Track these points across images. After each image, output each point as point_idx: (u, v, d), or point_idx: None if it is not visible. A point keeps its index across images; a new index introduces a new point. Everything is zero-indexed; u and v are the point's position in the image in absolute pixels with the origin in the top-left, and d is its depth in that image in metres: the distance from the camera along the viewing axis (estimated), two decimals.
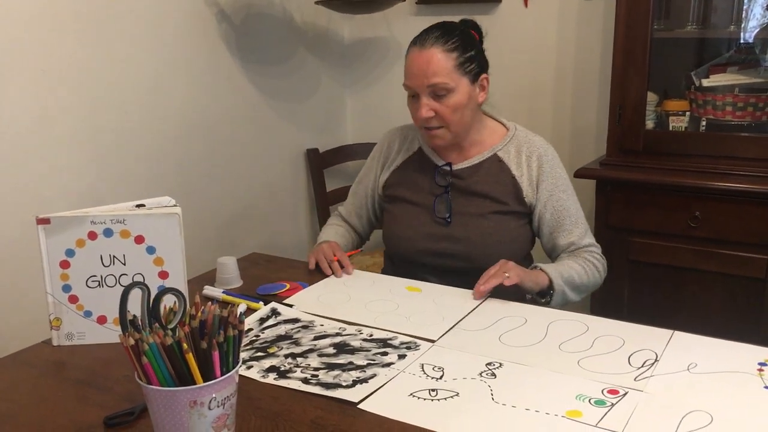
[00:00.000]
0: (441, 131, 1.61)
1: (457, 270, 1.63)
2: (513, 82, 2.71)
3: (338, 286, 1.58)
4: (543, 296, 1.56)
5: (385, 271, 1.81)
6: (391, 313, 1.42)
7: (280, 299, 1.49)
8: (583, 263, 1.63)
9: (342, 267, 1.65)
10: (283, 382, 1.15)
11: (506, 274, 1.47)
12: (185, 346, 0.88)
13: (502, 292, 1.47)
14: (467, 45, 1.59)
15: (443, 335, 1.31)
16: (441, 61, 1.55)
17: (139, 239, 1.29)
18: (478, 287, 1.48)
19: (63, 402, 1.12)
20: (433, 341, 1.28)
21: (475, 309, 1.42)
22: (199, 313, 0.94)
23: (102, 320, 1.31)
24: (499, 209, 1.65)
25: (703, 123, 2.20)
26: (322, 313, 1.42)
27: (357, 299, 1.49)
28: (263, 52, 2.65)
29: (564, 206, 1.65)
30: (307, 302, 1.48)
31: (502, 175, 1.66)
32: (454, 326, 1.34)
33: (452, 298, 1.49)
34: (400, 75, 1.64)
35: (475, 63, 1.60)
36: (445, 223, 1.66)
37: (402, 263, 1.73)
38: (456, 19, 1.69)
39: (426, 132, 1.64)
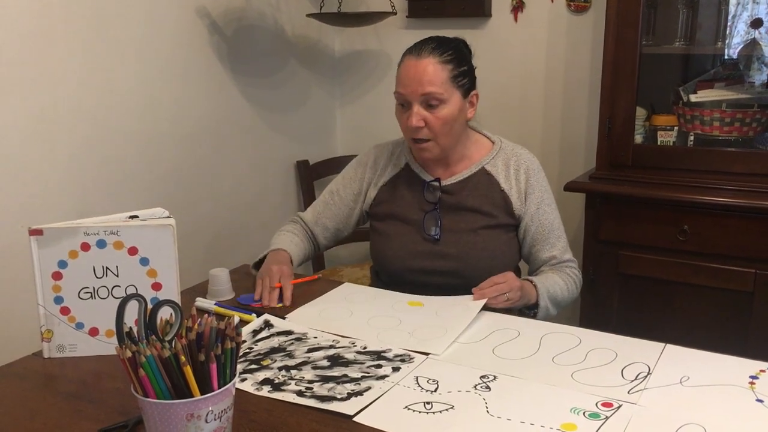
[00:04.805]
0: (429, 144, 1.61)
1: (447, 286, 1.62)
2: (502, 96, 2.73)
3: (340, 302, 1.54)
4: (530, 309, 1.60)
5: (372, 286, 1.81)
6: (393, 329, 1.39)
7: (267, 309, 1.49)
8: (566, 279, 1.66)
9: (280, 298, 1.53)
10: (277, 395, 1.15)
11: (506, 296, 1.49)
12: (183, 358, 0.88)
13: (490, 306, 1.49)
14: (461, 59, 1.61)
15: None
16: (436, 71, 1.56)
17: (133, 251, 1.28)
18: (478, 292, 1.50)
19: (55, 415, 1.11)
20: (428, 355, 1.28)
21: (471, 322, 1.42)
22: (196, 326, 0.94)
23: (94, 332, 1.30)
24: (488, 223, 1.65)
25: (691, 138, 2.23)
26: (324, 329, 1.40)
27: (359, 315, 1.47)
28: (254, 64, 2.65)
29: (549, 220, 1.68)
30: (308, 317, 1.46)
31: (491, 189, 1.67)
32: (455, 340, 1.34)
33: (453, 308, 1.47)
34: (391, 87, 1.65)
35: (467, 78, 1.62)
36: (434, 240, 1.66)
37: (390, 280, 1.72)
38: (446, 33, 1.70)
39: (414, 144, 1.64)
